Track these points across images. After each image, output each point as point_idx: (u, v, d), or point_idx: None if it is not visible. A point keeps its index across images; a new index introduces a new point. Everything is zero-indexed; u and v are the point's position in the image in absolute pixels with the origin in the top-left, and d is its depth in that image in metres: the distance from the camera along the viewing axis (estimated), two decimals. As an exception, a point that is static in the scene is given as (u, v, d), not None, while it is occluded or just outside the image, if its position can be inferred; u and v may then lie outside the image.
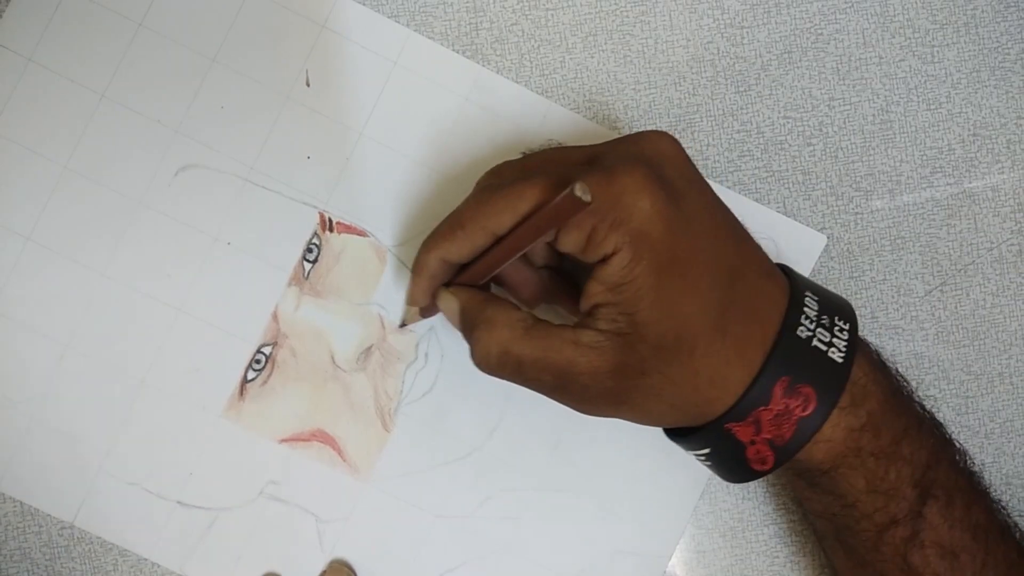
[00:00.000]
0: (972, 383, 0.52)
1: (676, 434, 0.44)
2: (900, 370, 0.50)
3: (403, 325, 0.50)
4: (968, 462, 0.46)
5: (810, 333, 0.41)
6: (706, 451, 0.43)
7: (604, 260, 0.39)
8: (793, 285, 0.43)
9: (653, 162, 0.40)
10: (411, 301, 0.47)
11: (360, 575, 0.50)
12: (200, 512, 0.49)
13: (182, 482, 0.49)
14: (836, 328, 0.42)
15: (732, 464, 0.43)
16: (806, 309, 0.42)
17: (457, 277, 0.45)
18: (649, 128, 0.48)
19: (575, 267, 0.46)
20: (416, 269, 0.44)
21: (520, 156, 0.47)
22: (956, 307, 0.52)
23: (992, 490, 0.46)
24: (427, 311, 0.48)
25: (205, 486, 0.49)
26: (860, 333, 0.51)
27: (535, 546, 0.50)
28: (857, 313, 0.51)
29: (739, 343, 0.40)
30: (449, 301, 0.44)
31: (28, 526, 0.49)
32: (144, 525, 0.49)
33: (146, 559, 0.49)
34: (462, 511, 0.50)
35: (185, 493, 0.49)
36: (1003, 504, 0.46)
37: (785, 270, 0.44)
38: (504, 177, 0.45)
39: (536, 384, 0.42)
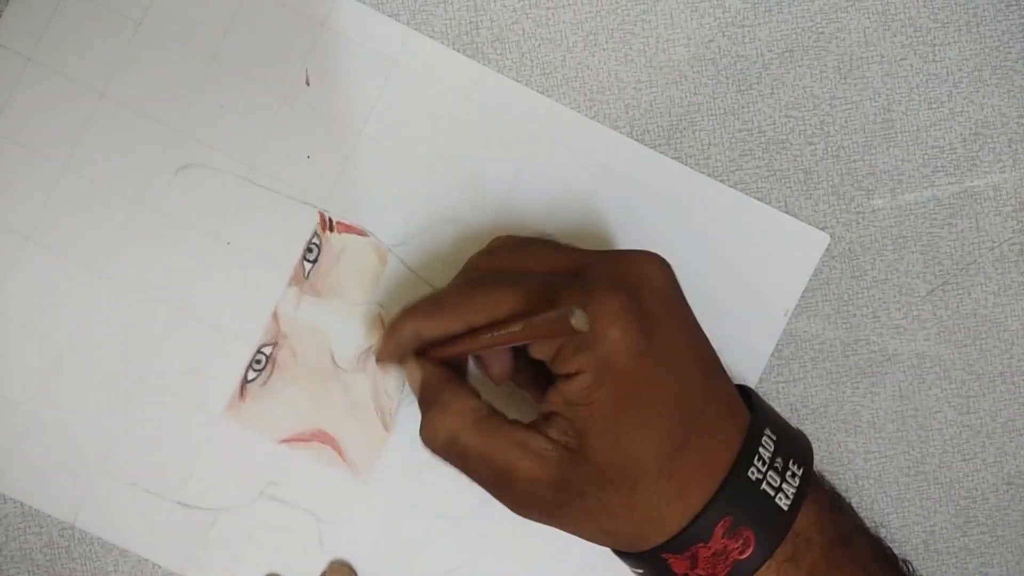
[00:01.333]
0: (974, 382, 0.52)
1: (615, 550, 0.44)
2: (903, 379, 0.50)
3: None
4: None
5: (760, 476, 0.41)
6: (640, 572, 0.43)
7: (567, 376, 0.40)
8: (754, 421, 0.42)
9: (637, 288, 0.40)
10: (378, 358, 0.48)
11: (361, 575, 0.49)
12: (200, 512, 0.49)
13: (182, 482, 0.49)
14: (788, 472, 0.41)
15: None
16: (761, 450, 0.41)
17: (428, 348, 0.45)
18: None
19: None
20: (389, 331, 0.46)
21: (519, 239, 0.48)
22: (958, 306, 0.52)
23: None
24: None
25: (205, 486, 0.49)
26: (863, 333, 0.51)
27: (534, 547, 0.50)
28: (859, 313, 0.51)
29: (683, 485, 0.40)
30: (412, 372, 0.45)
31: (29, 527, 0.49)
32: (144, 525, 0.49)
33: (146, 560, 0.49)
34: (463, 511, 0.50)
35: (185, 493, 0.49)
36: None
37: (750, 400, 0.44)
38: (493, 265, 0.45)
39: (476, 477, 0.42)
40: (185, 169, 0.49)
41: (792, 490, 0.41)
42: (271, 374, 0.49)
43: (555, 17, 0.50)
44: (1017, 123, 0.51)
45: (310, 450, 0.49)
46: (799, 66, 0.51)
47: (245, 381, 0.49)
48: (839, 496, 0.45)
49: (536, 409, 0.43)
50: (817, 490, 0.43)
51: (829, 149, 0.51)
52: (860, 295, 0.51)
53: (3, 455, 0.49)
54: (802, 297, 0.51)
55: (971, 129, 0.51)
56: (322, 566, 0.49)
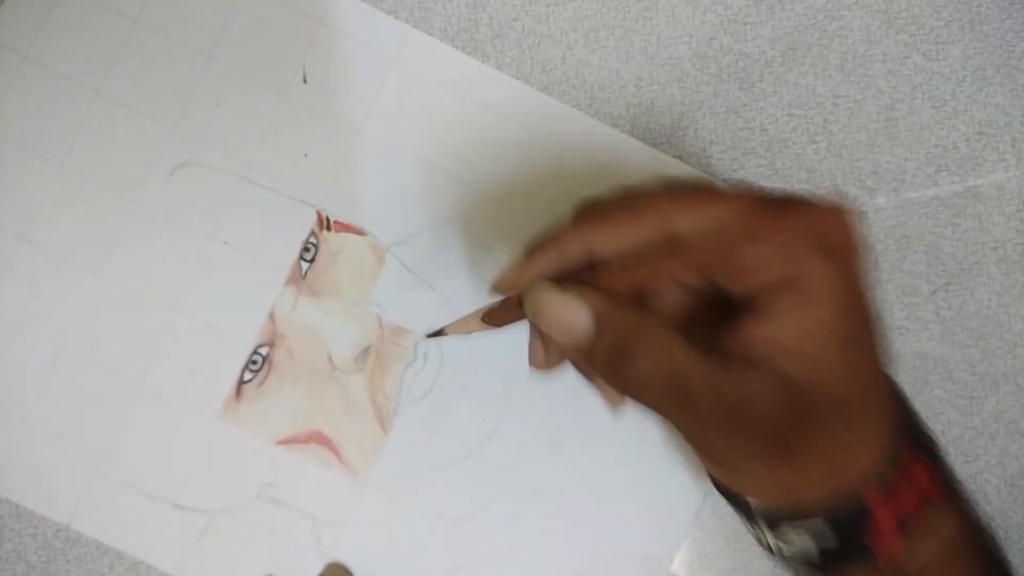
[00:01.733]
0: (977, 383, 0.52)
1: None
2: (905, 380, 0.50)
3: (438, 334, 0.43)
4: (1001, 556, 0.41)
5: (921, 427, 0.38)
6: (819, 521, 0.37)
7: (790, 305, 0.34)
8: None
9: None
10: (503, 285, 0.38)
11: (358, 578, 0.49)
12: (196, 514, 0.49)
13: (178, 484, 0.49)
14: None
15: (849, 536, 0.36)
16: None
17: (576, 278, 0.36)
18: None
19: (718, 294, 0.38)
20: (539, 245, 0.37)
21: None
22: (961, 307, 0.51)
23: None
24: (498, 320, 0.39)
25: (201, 488, 0.49)
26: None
27: (535, 549, 0.50)
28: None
29: (883, 415, 0.36)
30: (577, 306, 0.35)
31: (24, 528, 0.49)
32: (140, 527, 0.49)
33: (142, 561, 0.49)
34: (461, 513, 0.50)
35: (181, 495, 0.49)
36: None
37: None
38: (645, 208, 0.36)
39: (695, 415, 0.34)
40: (181, 168, 0.49)
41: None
42: (268, 375, 0.49)
43: (555, 14, 0.50)
44: (1021, 122, 0.51)
45: (307, 451, 0.49)
46: (801, 64, 0.51)
47: (241, 382, 0.49)
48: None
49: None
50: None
51: (832, 148, 0.51)
52: (862, 295, 0.51)
53: (-2, 456, 0.49)
54: (804, 297, 0.51)
55: (974, 128, 0.51)
56: (319, 568, 0.49)
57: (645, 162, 0.50)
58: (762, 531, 0.38)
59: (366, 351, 0.49)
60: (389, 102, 0.49)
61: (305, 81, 0.49)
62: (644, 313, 0.35)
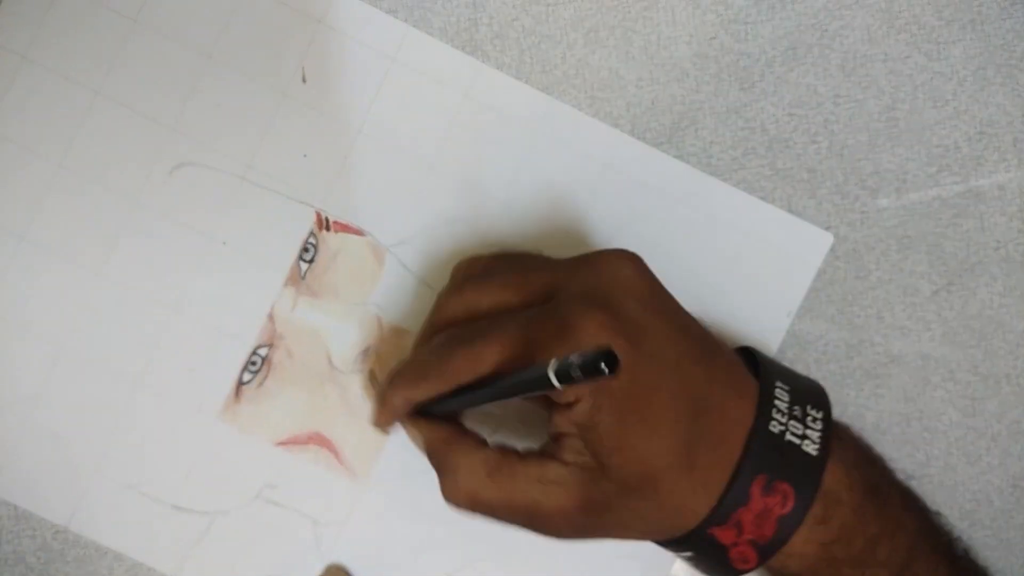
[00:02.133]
0: (979, 384, 0.52)
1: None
2: (907, 381, 0.50)
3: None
4: (951, 539, 0.45)
5: (782, 427, 0.41)
6: (688, 554, 0.43)
7: (568, 404, 0.40)
8: (763, 377, 0.42)
9: (611, 298, 0.40)
10: (375, 424, 0.49)
11: (358, 579, 0.49)
12: (196, 516, 0.49)
13: (178, 485, 0.49)
14: (809, 418, 0.42)
15: (715, 564, 0.43)
16: (777, 402, 0.41)
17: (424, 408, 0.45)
18: None
19: None
20: (380, 400, 0.46)
21: (485, 259, 0.48)
22: (963, 307, 0.51)
23: (976, 560, 0.46)
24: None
25: (201, 489, 0.49)
26: (867, 334, 0.51)
27: (533, 550, 0.50)
28: (863, 314, 0.50)
29: (705, 472, 0.40)
30: (414, 436, 0.47)
31: (22, 530, 0.49)
32: (139, 529, 0.49)
33: (141, 563, 0.49)
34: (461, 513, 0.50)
35: (181, 496, 0.49)
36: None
37: (754, 356, 0.44)
38: (467, 300, 0.45)
39: (507, 522, 0.42)
40: (180, 168, 0.49)
41: (817, 435, 0.41)
42: (267, 376, 0.49)
43: (555, 14, 0.50)
44: (1022, 122, 0.51)
45: (307, 453, 0.49)
46: (802, 64, 0.50)
47: (240, 383, 0.49)
48: (865, 447, 0.45)
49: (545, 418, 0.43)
50: (841, 446, 0.43)
51: (833, 148, 0.51)
52: (864, 296, 0.51)
53: (-4, 457, 0.49)
54: (806, 298, 0.51)
55: (976, 128, 0.51)
56: (319, 570, 0.49)
57: (645, 162, 0.50)
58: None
59: (366, 351, 0.49)
60: (388, 102, 0.49)
61: (304, 81, 0.49)
62: (454, 443, 0.43)
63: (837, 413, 0.50)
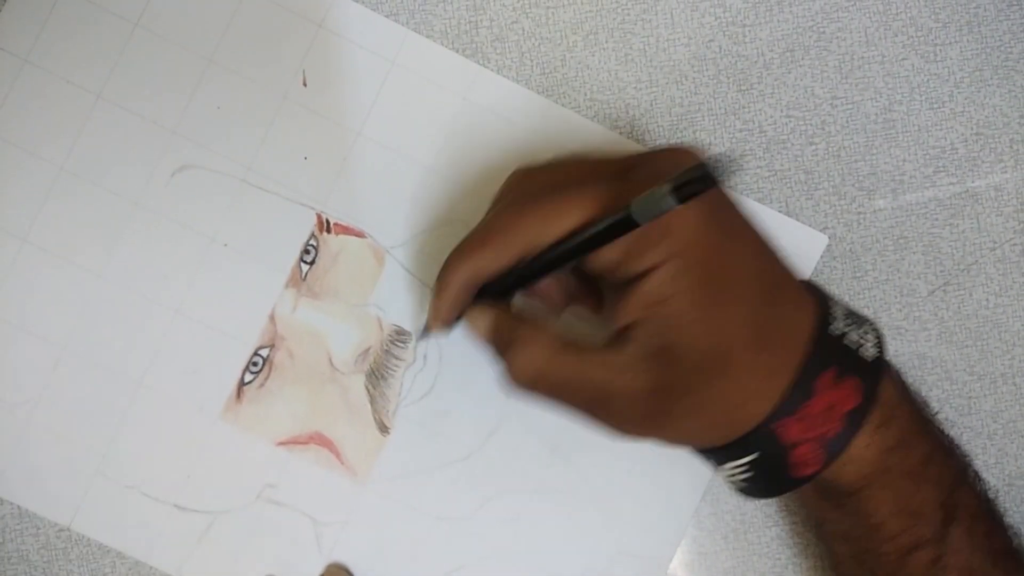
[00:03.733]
0: (975, 383, 0.52)
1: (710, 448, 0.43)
2: (903, 372, 0.50)
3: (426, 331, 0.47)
4: (984, 487, 0.45)
5: (841, 332, 0.41)
6: (750, 459, 0.41)
7: (642, 275, 0.39)
8: (818, 294, 0.43)
9: None
10: (435, 318, 0.44)
11: (359, 578, 0.50)
12: (197, 515, 0.49)
13: (179, 485, 0.49)
14: (863, 330, 0.42)
15: (774, 471, 0.41)
16: (834, 311, 0.42)
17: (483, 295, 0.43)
18: (670, 145, 0.46)
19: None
20: (441, 286, 0.43)
21: (544, 161, 0.45)
22: (959, 307, 0.52)
23: (1006, 515, 0.46)
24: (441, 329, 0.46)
25: (202, 489, 0.49)
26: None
27: (534, 548, 0.50)
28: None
29: (774, 357, 0.40)
30: (480, 319, 0.43)
31: (26, 528, 0.49)
32: (141, 528, 0.49)
33: (143, 562, 0.49)
34: (461, 513, 0.50)
35: (182, 496, 0.49)
36: (1016, 530, 0.46)
37: (809, 284, 0.44)
38: (537, 185, 0.43)
39: (571, 405, 0.41)
40: (182, 170, 0.49)
41: (871, 346, 0.41)
42: (268, 376, 0.49)
43: (555, 17, 0.50)
44: (1019, 123, 0.51)
45: (307, 452, 0.49)
46: (800, 66, 0.51)
47: (242, 383, 0.49)
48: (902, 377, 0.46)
49: (595, 325, 0.43)
50: (889, 365, 0.43)
51: (830, 149, 0.51)
52: (861, 296, 0.51)
53: (0, 458, 0.49)
54: (803, 298, 0.51)
55: (972, 129, 0.51)
56: (320, 569, 0.49)
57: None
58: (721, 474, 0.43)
59: (366, 352, 0.50)
60: (388, 105, 0.49)
61: (305, 84, 0.49)
62: (524, 322, 0.42)
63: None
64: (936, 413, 0.45)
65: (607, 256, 0.39)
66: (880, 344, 0.42)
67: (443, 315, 0.44)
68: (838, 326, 0.41)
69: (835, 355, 0.40)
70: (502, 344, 0.42)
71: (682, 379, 0.39)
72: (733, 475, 0.43)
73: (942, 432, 0.45)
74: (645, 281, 0.38)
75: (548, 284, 0.45)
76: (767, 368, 0.39)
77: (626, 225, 0.37)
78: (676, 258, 0.38)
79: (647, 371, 0.39)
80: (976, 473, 0.45)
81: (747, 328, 0.39)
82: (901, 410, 0.42)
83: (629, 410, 0.40)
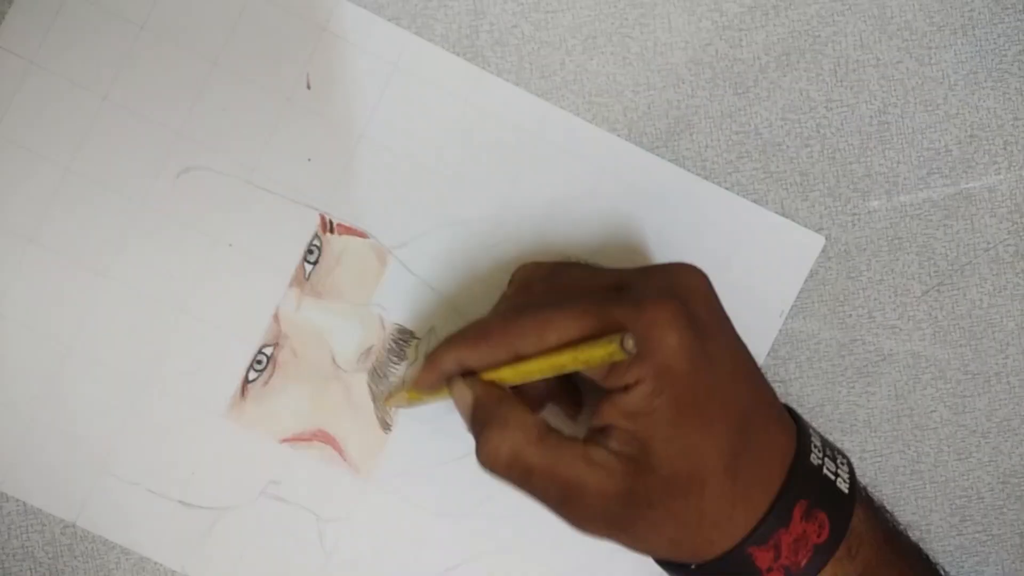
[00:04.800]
0: (969, 382, 0.52)
1: (679, 568, 0.43)
2: (898, 379, 0.50)
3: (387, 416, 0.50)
4: None
5: (820, 462, 0.42)
6: None
7: (624, 388, 0.39)
8: (797, 419, 0.44)
9: (683, 297, 0.40)
10: (416, 385, 0.45)
11: (361, 574, 0.50)
12: (202, 512, 0.49)
13: (184, 482, 0.49)
14: (838, 460, 0.43)
15: None
16: (812, 440, 0.42)
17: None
18: None
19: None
20: (430, 360, 0.44)
21: (549, 264, 0.48)
22: (953, 307, 0.52)
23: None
24: (418, 402, 0.47)
25: (207, 486, 0.49)
26: (858, 333, 0.51)
27: (535, 544, 0.50)
28: (855, 313, 0.51)
29: (747, 486, 0.40)
30: (463, 393, 0.43)
31: (31, 524, 0.49)
32: (146, 525, 0.49)
33: (148, 558, 0.49)
34: (462, 510, 0.50)
35: (187, 493, 0.49)
36: None
37: (789, 410, 0.45)
38: (533, 295, 0.45)
39: (540, 494, 0.41)
40: (187, 172, 0.49)
41: (846, 476, 0.42)
42: (272, 374, 0.49)
43: (554, 21, 0.50)
44: (1012, 125, 0.52)
45: (311, 450, 0.50)
46: (795, 69, 0.51)
47: (246, 381, 0.49)
48: (875, 499, 0.46)
49: (571, 427, 0.44)
50: (862, 489, 0.44)
51: (825, 151, 0.51)
52: (856, 296, 0.51)
53: (6, 455, 0.49)
54: (798, 297, 0.51)
55: (966, 131, 0.51)
56: (322, 566, 0.49)
57: (641, 167, 0.50)
58: None
59: (369, 351, 0.50)
60: (391, 108, 0.49)
61: (309, 87, 0.49)
62: (506, 401, 0.41)
63: (828, 411, 0.51)
64: (905, 528, 0.46)
65: (593, 369, 0.40)
66: (852, 476, 0.43)
67: (423, 384, 0.45)
68: (816, 456, 0.42)
69: (811, 486, 0.41)
70: (480, 421, 0.42)
71: (652, 491, 0.40)
72: None
73: (913, 551, 0.45)
74: (625, 395, 0.39)
75: (539, 383, 0.45)
76: (734, 500, 0.40)
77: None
78: (655, 379, 0.39)
79: (620, 474, 0.40)
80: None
81: (722, 454, 0.40)
82: (868, 540, 0.42)
83: (596, 508, 0.40)
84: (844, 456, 0.43)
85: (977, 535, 0.52)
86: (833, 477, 0.41)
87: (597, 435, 0.41)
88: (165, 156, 0.49)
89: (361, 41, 0.49)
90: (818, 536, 0.40)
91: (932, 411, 0.52)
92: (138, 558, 0.49)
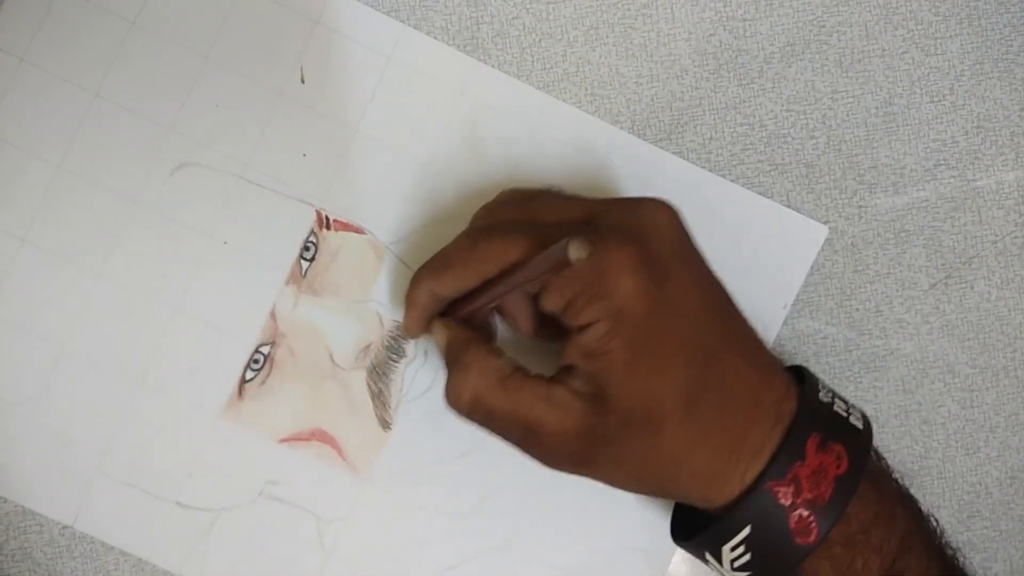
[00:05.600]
0: (977, 377, 0.52)
1: (694, 528, 0.43)
2: (905, 373, 0.50)
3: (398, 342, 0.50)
4: (942, 542, 0.45)
5: (829, 400, 0.42)
6: (744, 535, 0.41)
7: (582, 328, 0.40)
8: (806, 371, 0.44)
9: (646, 236, 0.41)
10: (405, 330, 0.47)
11: (361, 574, 0.50)
12: (199, 513, 0.49)
13: (181, 483, 0.49)
14: (851, 407, 0.43)
15: (775, 540, 0.41)
16: (820, 381, 0.43)
17: (451, 310, 0.46)
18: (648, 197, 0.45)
19: None
20: (408, 300, 0.46)
21: (526, 190, 0.48)
22: (961, 301, 0.52)
23: (966, 567, 0.45)
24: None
25: (204, 487, 0.49)
26: (865, 328, 0.51)
27: (536, 543, 0.50)
28: (861, 307, 0.51)
29: (708, 425, 0.41)
30: (437, 334, 0.45)
31: (29, 526, 0.49)
32: (143, 526, 0.49)
33: (146, 560, 0.49)
34: (462, 508, 0.50)
35: (184, 494, 0.49)
36: None
37: (798, 367, 0.45)
38: (499, 217, 0.46)
39: (503, 434, 0.43)
40: (181, 168, 0.49)
41: (860, 417, 0.42)
42: (269, 373, 0.49)
43: (556, 12, 0.50)
44: (1019, 116, 0.51)
45: (309, 449, 0.49)
46: (800, 60, 0.51)
47: (243, 380, 0.49)
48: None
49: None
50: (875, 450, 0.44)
51: (831, 143, 0.51)
52: (862, 289, 0.51)
53: (1, 457, 0.49)
54: (805, 292, 0.51)
55: (973, 123, 0.51)
56: (322, 566, 0.49)
57: (645, 159, 0.50)
58: (716, 565, 0.43)
59: (367, 348, 0.50)
60: (386, 101, 0.49)
61: (303, 81, 0.49)
62: (472, 345, 0.43)
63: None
64: (889, 467, 0.45)
65: (551, 303, 0.41)
66: (867, 421, 0.43)
67: (410, 327, 0.46)
68: (825, 394, 0.42)
69: (822, 421, 0.41)
70: (450, 361, 0.44)
71: (609, 428, 0.41)
72: (732, 562, 0.42)
73: (896, 485, 0.44)
74: (583, 334, 0.40)
75: (517, 310, 0.46)
76: (692, 439, 0.41)
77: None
78: (611, 319, 0.40)
79: (579, 412, 0.41)
80: (936, 529, 0.45)
81: (679, 394, 0.40)
82: (894, 482, 0.43)
83: (558, 447, 0.42)
84: (858, 409, 0.44)
85: (985, 530, 0.52)
86: (845, 415, 0.42)
87: (563, 374, 0.42)
88: (158, 153, 0.49)
89: (355, 34, 0.49)
90: (837, 467, 0.41)
91: (940, 406, 0.52)
92: (137, 559, 0.49)
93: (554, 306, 0.41)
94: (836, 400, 0.42)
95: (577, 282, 0.40)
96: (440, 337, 0.45)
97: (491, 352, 0.43)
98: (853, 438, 0.41)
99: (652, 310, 0.40)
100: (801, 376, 0.44)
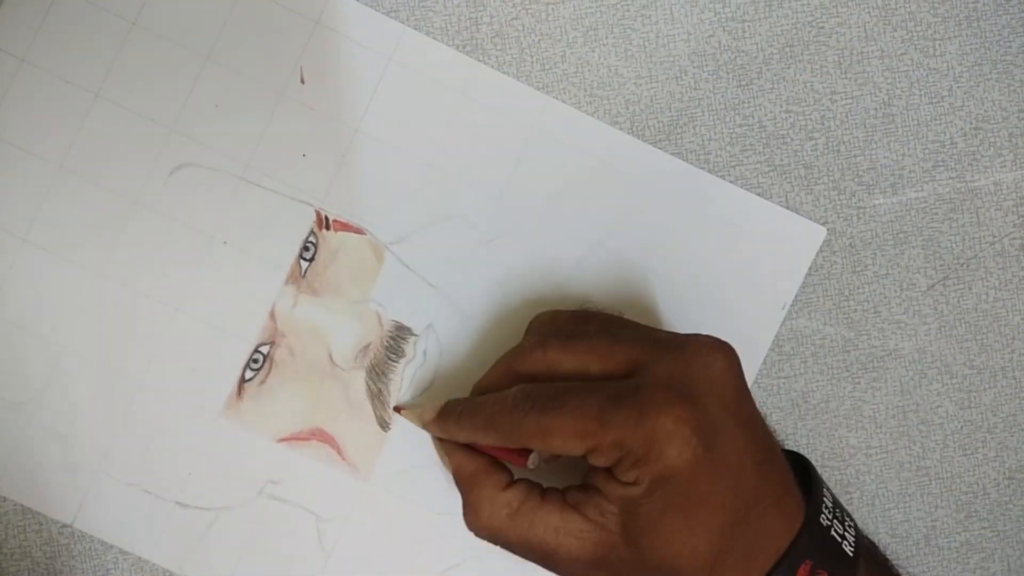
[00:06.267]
0: (975, 377, 0.52)
1: None
2: (903, 374, 0.50)
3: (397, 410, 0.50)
4: None
5: (829, 522, 0.42)
6: None
7: (624, 482, 0.40)
8: (814, 479, 0.43)
9: (698, 392, 0.40)
10: (426, 429, 0.48)
11: (360, 574, 0.50)
12: (199, 512, 0.49)
13: (181, 482, 0.49)
14: (847, 523, 0.42)
15: None
16: (824, 500, 0.42)
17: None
18: None
19: None
20: (443, 423, 0.47)
21: (566, 316, 0.48)
22: (959, 301, 0.52)
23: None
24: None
25: (204, 486, 0.49)
26: (863, 328, 0.51)
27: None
28: (859, 308, 0.51)
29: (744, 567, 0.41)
30: (444, 458, 0.48)
31: (28, 524, 0.49)
32: (143, 526, 0.49)
33: (146, 559, 0.49)
34: (462, 508, 0.50)
35: (184, 493, 0.49)
36: None
37: (805, 464, 0.45)
38: (550, 358, 0.44)
39: (522, 557, 0.44)
40: (181, 169, 0.49)
41: (852, 538, 0.42)
42: (269, 373, 0.49)
43: (555, 12, 0.50)
44: (1018, 118, 0.51)
45: (309, 449, 0.49)
46: (799, 61, 0.51)
47: (243, 380, 0.49)
48: (882, 557, 0.46)
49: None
50: (866, 547, 0.44)
51: (829, 144, 0.51)
52: (861, 290, 0.51)
53: (2, 456, 0.49)
54: (804, 293, 0.51)
55: (971, 124, 0.51)
56: (322, 565, 0.49)
57: (643, 160, 0.50)
58: None
59: (366, 348, 0.50)
60: (386, 101, 0.49)
61: (303, 82, 0.49)
62: (480, 476, 0.45)
63: (834, 407, 0.51)
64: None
65: (597, 461, 0.41)
66: (858, 537, 0.43)
67: (432, 431, 0.48)
68: (827, 516, 0.42)
69: (817, 547, 0.41)
70: (462, 493, 0.45)
71: (623, 563, 0.41)
72: None
73: None
74: (624, 488, 0.40)
75: None
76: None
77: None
78: (650, 484, 0.40)
79: (593, 544, 0.41)
80: None
81: (703, 556, 0.40)
82: None
83: (574, 570, 0.42)
84: (851, 517, 0.43)
85: (983, 531, 0.52)
86: (840, 539, 0.41)
87: (579, 494, 0.42)
88: (158, 152, 0.49)
89: (355, 34, 0.49)
90: None
91: (938, 406, 0.51)
92: (136, 558, 0.49)
93: (599, 463, 0.41)
94: (835, 521, 0.42)
95: (621, 448, 0.40)
96: (448, 463, 0.47)
97: (498, 486, 0.44)
98: (840, 567, 0.41)
99: (697, 473, 0.39)
100: (807, 473, 0.44)
